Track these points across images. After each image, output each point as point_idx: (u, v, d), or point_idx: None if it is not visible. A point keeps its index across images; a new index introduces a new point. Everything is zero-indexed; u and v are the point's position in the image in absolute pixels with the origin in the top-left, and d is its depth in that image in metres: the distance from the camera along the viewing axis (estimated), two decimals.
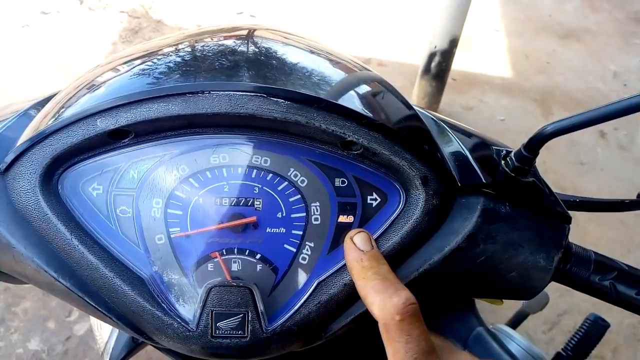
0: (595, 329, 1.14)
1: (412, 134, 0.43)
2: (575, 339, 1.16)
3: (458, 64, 2.56)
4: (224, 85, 0.40)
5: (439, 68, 2.38)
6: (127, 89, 0.41)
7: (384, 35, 3.24)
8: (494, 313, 1.64)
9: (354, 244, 0.41)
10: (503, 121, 2.75)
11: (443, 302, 0.72)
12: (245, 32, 0.51)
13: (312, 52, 0.50)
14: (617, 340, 1.88)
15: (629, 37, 3.55)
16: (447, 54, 2.34)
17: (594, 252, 0.50)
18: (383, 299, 0.37)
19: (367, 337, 0.66)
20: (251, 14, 3.29)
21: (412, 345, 0.35)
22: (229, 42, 0.47)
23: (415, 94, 2.55)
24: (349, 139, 0.41)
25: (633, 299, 0.47)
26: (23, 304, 1.76)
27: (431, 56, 2.36)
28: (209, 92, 0.40)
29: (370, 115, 0.42)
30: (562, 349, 1.16)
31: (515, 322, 1.28)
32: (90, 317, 0.77)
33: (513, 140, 2.66)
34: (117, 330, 0.67)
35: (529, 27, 3.52)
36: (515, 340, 1.16)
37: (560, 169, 2.49)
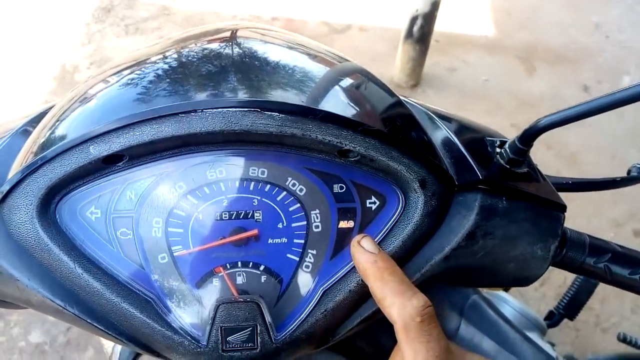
0: (585, 287, 1.18)
1: (408, 138, 0.43)
2: (567, 298, 1.20)
3: (440, 25, 2.53)
4: (217, 103, 0.39)
5: (421, 32, 2.35)
6: (118, 111, 0.40)
7: (364, 0, 3.18)
8: None
9: (363, 247, 0.42)
10: (487, 81, 2.75)
11: (428, 290, 0.74)
12: (228, 35, 0.50)
13: (295, 51, 0.49)
14: (604, 291, 1.94)
15: None
16: (429, 17, 2.31)
17: (588, 235, 0.51)
18: (402, 302, 0.38)
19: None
20: None
21: (433, 344, 0.37)
22: (215, 48, 0.46)
23: (399, 59, 2.53)
24: (345, 147, 0.41)
25: (627, 279, 0.49)
26: None
27: (413, 20, 2.33)
28: (202, 111, 0.39)
29: (365, 121, 0.41)
30: (554, 308, 1.20)
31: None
32: None
33: (498, 99, 2.67)
34: None
35: None
36: (510, 303, 1.20)
37: None
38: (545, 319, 1.20)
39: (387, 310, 0.39)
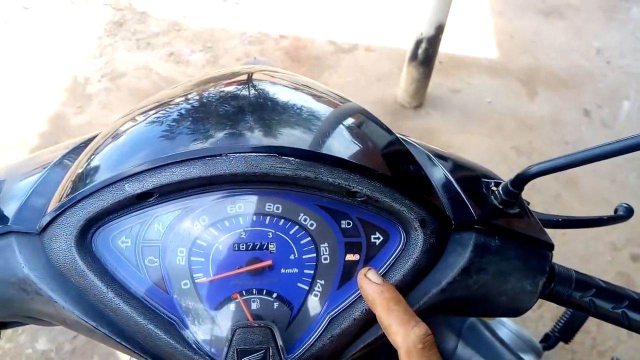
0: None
1: (410, 181, 0.48)
2: (563, 321, 1.22)
3: (444, 47, 2.59)
4: (240, 148, 0.44)
5: (425, 54, 2.41)
6: (150, 152, 0.44)
7: (371, 20, 3.25)
8: None
9: (369, 279, 0.46)
10: (490, 103, 2.80)
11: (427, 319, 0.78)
12: (244, 78, 0.55)
13: (309, 96, 0.54)
14: None
15: (610, 12, 3.60)
16: (433, 40, 2.37)
17: (574, 271, 0.55)
18: (406, 330, 0.42)
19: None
20: (235, 1, 3.27)
21: None
22: (234, 92, 0.51)
23: (403, 80, 2.58)
24: (353, 189, 0.46)
25: (610, 312, 0.53)
26: None
27: (418, 43, 2.39)
28: (226, 155, 0.44)
29: (371, 166, 0.46)
30: (550, 331, 1.23)
31: None
32: None
33: (500, 121, 2.71)
34: None
35: (513, 5, 3.55)
36: (506, 325, 1.23)
37: (546, 149, 2.56)
38: (541, 341, 1.22)
39: (392, 337, 0.43)
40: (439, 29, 2.34)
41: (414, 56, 2.45)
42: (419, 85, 2.56)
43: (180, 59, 2.84)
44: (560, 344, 1.23)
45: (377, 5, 3.35)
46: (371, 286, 0.45)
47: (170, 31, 3.03)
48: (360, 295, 0.47)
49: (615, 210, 0.63)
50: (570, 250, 2.15)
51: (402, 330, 0.42)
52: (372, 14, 3.29)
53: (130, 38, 2.95)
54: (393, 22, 3.23)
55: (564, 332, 1.21)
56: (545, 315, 1.94)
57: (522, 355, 1.09)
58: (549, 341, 1.23)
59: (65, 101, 2.55)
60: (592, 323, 1.97)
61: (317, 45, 3.03)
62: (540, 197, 2.31)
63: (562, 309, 1.20)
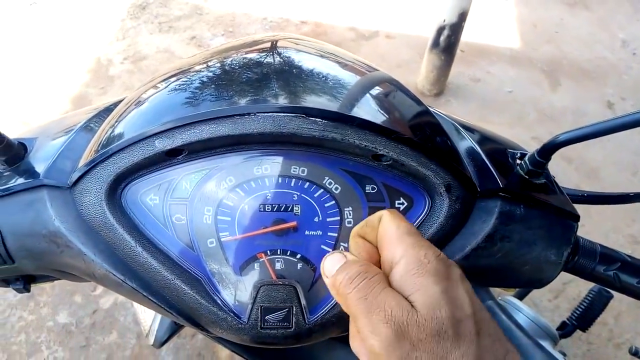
0: (599, 299, 1.19)
1: (436, 146, 0.48)
2: (580, 309, 1.21)
3: (466, 36, 2.56)
4: (268, 107, 0.45)
5: (447, 42, 2.39)
6: (180, 112, 0.45)
7: (392, 7, 3.22)
8: None
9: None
10: (511, 93, 2.77)
11: None
12: (269, 45, 0.55)
13: (335, 63, 0.54)
14: (619, 307, 1.95)
15: (638, 4, 3.52)
16: (456, 28, 2.34)
17: (599, 244, 0.55)
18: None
19: None
20: None
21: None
22: (260, 59, 0.52)
23: (424, 67, 2.56)
24: (379, 152, 0.46)
25: (634, 287, 0.52)
26: None
27: (440, 30, 2.36)
28: (255, 114, 0.44)
29: (399, 129, 0.46)
30: (567, 319, 1.22)
31: (522, 293, 1.34)
32: (133, 301, 0.83)
33: (520, 112, 2.68)
34: (160, 315, 0.73)
35: None
36: (523, 311, 1.22)
37: None
38: (558, 329, 1.21)
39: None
40: (462, 17, 2.31)
41: (435, 43, 2.43)
42: (440, 73, 2.54)
43: (202, 43, 2.85)
44: (577, 333, 1.22)
45: None
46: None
47: (192, 15, 3.04)
48: None
49: None
50: None
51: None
52: (393, 1, 3.27)
53: (152, 21, 2.97)
54: (414, 9, 3.20)
55: (582, 321, 1.20)
56: (561, 305, 1.93)
57: (539, 341, 1.09)
58: (565, 329, 1.22)
59: (89, 82, 2.58)
60: (609, 315, 1.95)
61: (337, 32, 3.02)
62: None
63: (579, 299, 1.19)
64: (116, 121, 0.49)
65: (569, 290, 1.96)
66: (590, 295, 1.16)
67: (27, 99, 2.47)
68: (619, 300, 2.04)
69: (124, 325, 1.75)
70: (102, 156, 0.45)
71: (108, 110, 0.56)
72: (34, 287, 1.83)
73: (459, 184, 0.48)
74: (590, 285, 1.15)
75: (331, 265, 0.40)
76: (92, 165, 0.46)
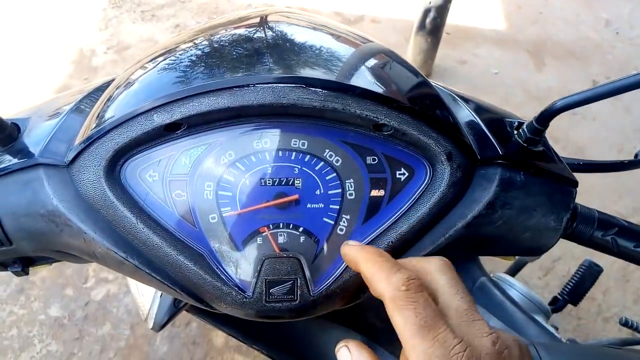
0: (589, 274, 1.22)
1: (437, 115, 0.47)
2: (571, 284, 1.23)
3: (452, 18, 2.56)
4: (267, 78, 0.44)
5: (433, 24, 2.39)
6: (177, 86, 0.44)
7: None
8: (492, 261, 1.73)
9: (350, 245, 0.45)
10: (497, 74, 2.78)
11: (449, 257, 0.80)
12: (259, 20, 0.54)
13: (329, 35, 0.54)
14: (607, 282, 1.99)
15: None
16: (441, 9, 2.34)
17: (597, 210, 0.55)
18: (388, 276, 0.39)
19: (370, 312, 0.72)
20: None
21: (420, 310, 0.37)
22: (252, 33, 0.51)
23: (410, 50, 2.56)
24: (381, 122, 0.46)
25: (632, 251, 0.53)
26: (40, 273, 1.82)
27: (426, 12, 2.36)
28: (254, 85, 0.44)
29: (399, 98, 0.46)
30: (558, 294, 1.24)
31: (514, 270, 1.36)
32: (130, 286, 0.83)
33: (507, 93, 2.69)
34: (158, 297, 0.73)
35: None
36: (515, 287, 1.24)
37: (554, 120, 2.54)
38: (550, 304, 1.23)
39: (376, 287, 0.40)
40: None
41: (421, 26, 2.42)
42: (427, 55, 2.54)
43: None
44: (567, 309, 1.24)
45: None
46: (352, 248, 0.44)
47: (175, 3, 3.00)
48: (386, 229, 0.48)
49: (636, 156, 0.63)
50: None
51: (384, 276, 0.40)
52: None
53: (135, 10, 2.92)
54: None
55: (573, 295, 1.22)
56: (551, 282, 1.96)
57: (533, 316, 1.10)
58: (557, 303, 1.24)
59: (72, 73, 2.54)
60: (598, 290, 1.98)
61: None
62: None
63: (568, 277, 1.20)
64: (112, 98, 0.48)
65: (558, 268, 1.99)
66: (581, 270, 1.18)
67: (9, 92, 2.42)
68: (607, 275, 2.08)
69: (117, 316, 1.74)
70: (99, 132, 0.44)
71: (101, 89, 0.55)
72: (24, 281, 1.80)
73: (460, 152, 0.48)
74: (579, 262, 1.17)
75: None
76: (90, 142, 0.45)
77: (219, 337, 1.70)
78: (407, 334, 0.37)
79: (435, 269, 0.41)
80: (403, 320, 0.37)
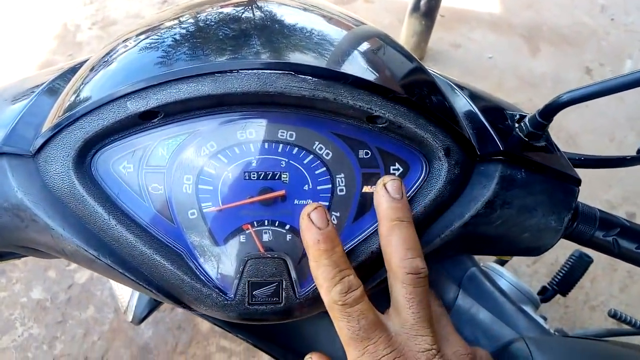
0: (579, 264, 1.20)
1: (435, 107, 0.44)
2: (561, 274, 1.22)
3: (446, 0, 2.51)
4: (253, 64, 0.40)
5: (428, 5, 2.34)
6: (154, 70, 0.40)
7: None
8: None
9: (311, 220, 0.42)
10: (491, 59, 2.74)
11: (443, 256, 0.77)
12: None
13: (321, 17, 0.50)
14: (595, 271, 1.99)
15: None
16: None
17: (598, 209, 0.53)
18: (329, 286, 0.40)
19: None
20: None
21: (353, 323, 0.40)
22: (239, 13, 0.47)
23: (404, 32, 2.51)
24: (375, 113, 0.42)
25: (634, 252, 0.51)
26: None
27: None
28: (238, 71, 0.40)
29: (396, 89, 0.42)
30: (548, 283, 1.23)
31: (503, 260, 1.35)
32: None
33: (501, 78, 2.66)
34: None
35: None
36: (505, 277, 1.23)
37: None
38: (539, 293, 1.23)
39: (319, 290, 0.41)
40: None
41: (416, 7, 2.37)
42: (420, 38, 2.49)
43: None
44: (556, 298, 1.23)
45: None
46: (311, 231, 0.41)
47: None
48: (378, 229, 0.45)
49: (638, 151, 0.60)
50: None
51: (325, 286, 0.40)
52: None
53: None
54: None
55: (562, 285, 1.21)
56: (539, 271, 1.95)
57: (521, 306, 1.09)
58: (546, 293, 1.23)
59: (56, 49, 2.46)
60: (585, 279, 1.98)
61: None
62: None
63: (558, 266, 1.19)
64: (83, 82, 0.44)
65: (546, 256, 1.98)
66: (571, 260, 1.17)
67: None
68: (595, 265, 2.08)
69: (101, 299, 1.71)
70: (68, 119, 0.41)
71: (73, 70, 0.51)
72: (5, 264, 1.76)
73: (459, 147, 0.44)
74: (568, 251, 1.16)
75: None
76: (58, 130, 0.41)
77: (205, 322, 1.67)
78: (343, 341, 0.41)
79: (401, 280, 0.42)
80: (339, 329, 0.41)
